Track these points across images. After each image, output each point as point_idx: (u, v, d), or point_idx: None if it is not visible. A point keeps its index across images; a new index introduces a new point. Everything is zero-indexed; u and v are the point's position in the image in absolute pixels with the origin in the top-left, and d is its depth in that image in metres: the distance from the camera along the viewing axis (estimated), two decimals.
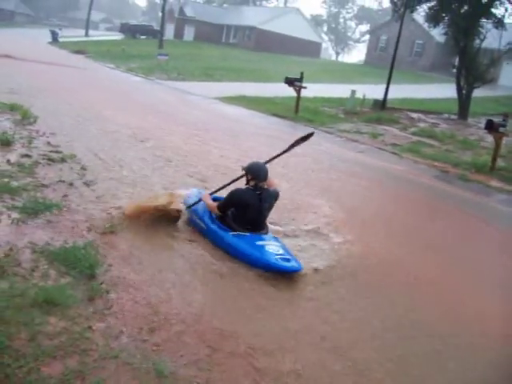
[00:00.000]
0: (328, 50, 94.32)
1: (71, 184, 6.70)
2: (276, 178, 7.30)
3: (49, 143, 8.62)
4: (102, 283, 4.29)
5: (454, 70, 22.01)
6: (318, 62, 50.03)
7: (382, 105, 20.70)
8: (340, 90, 23.12)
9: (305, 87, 17.55)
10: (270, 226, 5.99)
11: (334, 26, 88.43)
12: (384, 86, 21.15)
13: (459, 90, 20.61)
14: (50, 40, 45.00)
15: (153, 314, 3.99)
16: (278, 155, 6.00)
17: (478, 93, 21.19)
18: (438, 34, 29.98)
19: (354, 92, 19.95)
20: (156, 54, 32.60)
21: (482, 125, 13.86)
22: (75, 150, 8.40)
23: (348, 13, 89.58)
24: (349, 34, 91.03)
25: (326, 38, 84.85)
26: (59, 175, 6.96)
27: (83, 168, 7.52)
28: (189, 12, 60.04)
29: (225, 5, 74.58)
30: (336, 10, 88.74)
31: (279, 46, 54.98)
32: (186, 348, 3.67)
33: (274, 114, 17.33)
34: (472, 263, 6.51)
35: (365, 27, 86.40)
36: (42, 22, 79.14)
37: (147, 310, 4.04)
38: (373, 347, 4.14)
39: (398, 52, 21.53)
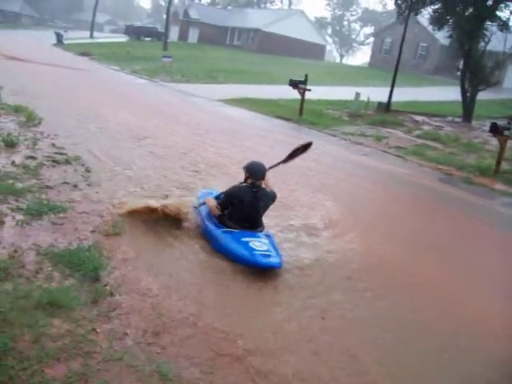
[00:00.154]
0: (332, 53, 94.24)
1: (75, 186, 6.72)
2: (278, 178, 7.34)
3: (53, 145, 8.65)
4: (106, 285, 4.29)
5: (459, 73, 21.98)
6: (323, 65, 50.00)
7: (386, 107, 20.66)
8: (344, 93, 23.10)
9: (309, 89, 17.53)
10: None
11: (338, 28, 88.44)
12: (388, 88, 21.11)
13: (463, 92, 20.55)
14: (55, 42, 45.09)
15: (157, 317, 3.99)
16: (279, 163, 6.15)
17: (482, 96, 21.13)
18: (442, 36, 29.96)
19: (358, 94, 19.90)
20: (160, 56, 32.62)
21: (487, 128, 13.84)
22: (79, 152, 8.42)
23: (352, 15, 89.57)
24: (353, 36, 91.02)
25: (330, 40, 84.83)
26: (64, 177, 6.98)
27: (87, 170, 7.54)
28: (193, 14, 60.13)
29: (229, 7, 74.62)
30: (340, 13, 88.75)
31: (283, 48, 54.95)
32: (190, 351, 3.67)
33: (278, 117, 17.31)
34: (474, 265, 6.47)
35: (369, 30, 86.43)
36: (46, 24, 79.39)
37: (151, 313, 4.04)
38: (371, 347, 4.13)
39: (402, 55, 21.52)
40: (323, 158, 11.55)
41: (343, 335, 4.26)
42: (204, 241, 5.67)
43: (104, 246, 5.03)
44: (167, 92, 21.61)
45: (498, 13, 20.52)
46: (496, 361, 4.27)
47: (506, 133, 11.56)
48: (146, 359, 3.45)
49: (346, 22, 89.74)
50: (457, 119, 21.07)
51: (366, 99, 19.55)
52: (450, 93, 25.85)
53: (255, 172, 5.62)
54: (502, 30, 20.57)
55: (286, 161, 6.22)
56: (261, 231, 5.61)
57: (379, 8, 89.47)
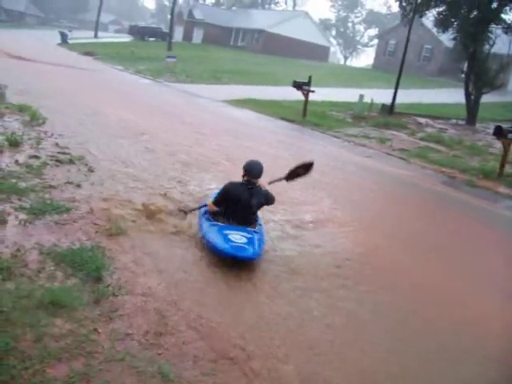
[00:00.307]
0: (336, 54, 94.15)
1: (79, 185, 6.74)
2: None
3: (57, 144, 8.67)
4: (108, 286, 4.30)
5: (463, 76, 21.92)
6: (326, 66, 49.97)
7: (389, 109, 20.64)
8: (348, 95, 23.08)
9: (313, 91, 17.53)
10: None
11: (342, 30, 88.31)
12: (392, 90, 21.09)
13: (467, 95, 20.52)
14: (60, 41, 45.17)
15: (159, 318, 4.00)
16: (280, 179, 6.34)
17: (486, 98, 21.09)
18: (446, 39, 29.94)
19: (362, 96, 19.89)
20: (164, 56, 32.64)
21: (490, 131, 13.79)
22: (83, 152, 8.44)
23: (357, 17, 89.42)
24: (357, 38, 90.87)
25: (334, 42, 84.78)
26: (67, 176, 7.00)
27: (91, 169, 7.56)
28: (198, 15, 60.16)
29: (233, 8, 74.61)
30: (345, 14, 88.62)
31: (287, 49, 54.92)
32: (192, 352, 3.67)
33: (282, 118, 17.31)
34: (475, 268, 6.47)
35: (373, 31, 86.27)
36: (51, 24, 79.58)
37: (153, 314, 4.05)
38: (366, 347, 4.13)
39: (406, 56, 21.50)
40: (325, 159, 11.55)
41: (341, 336, 4.26)
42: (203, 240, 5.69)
43: (107, 246, 5.04)
44: (171, 92, 21.62)
45: (503, 15, 20.50)
46: (496, 361, 4.28)
47: (510, 136, 11.53)
48: (147, 360, 3.45)
49: (350, 24, 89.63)
50: (460, 122, 21.03)
51: (369, 101, 19.54)
52: (454, 95, 25.82)
53: (251, 170, 5.77)
54: (506, 33, 20.54)
55: (287, 178, 6.38)
56: (254, 227, 5.70)
57: (384, 10, 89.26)
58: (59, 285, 4.17)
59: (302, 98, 17.72)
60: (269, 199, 5.93)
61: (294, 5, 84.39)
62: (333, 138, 15.00)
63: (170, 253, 5.31)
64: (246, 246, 5.23)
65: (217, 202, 5.85)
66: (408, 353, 4.20)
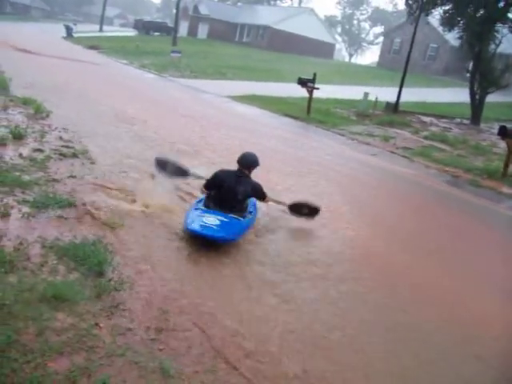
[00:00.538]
0: (341, 52, 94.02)
1: (82, 179, 6.74)
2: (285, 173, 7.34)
3: (61, 138, 8.68)
4: (110, 280, 4.30)
5: (468, 75, 21.86)
6: (331, 63, 49.91)
7: (394, 108, 20.60)
8: (352, 92, 23.04)
9: (317, 88, 17.48)
10: None
11: (347, 27, 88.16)
12: (397, 88, 21.04)
13: (472, 94, 20.46)
14: (65, 35, 45.14)
15: (160, 313, 4.00)
16: (282, 203, 6.63)
17: (491, 98, 21.02)
18: (452, 37, 29.75)
19: (366, 94, 19.84)
20: (169, 51, 32.61)
21: (495, 130, 13.74)
22: (87, 145, 8.45)
23: (362, 14, 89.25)
24: (363, 35, 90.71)
25: (339, 39, 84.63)
26: (71, 170, 7.00)
27: (94, 163, 7.56)
28: (203, 10, 60.11)
29: (239, 3, 74.51)
30: (350, 12, 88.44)
31: (292, 45, 54.85)
32: (193, 348, 3.68)
33: (286, 114, 17.27)
34: (477, 268, 6.47)
35: (379, 29, 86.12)
36: (56, 17, 79.62)
37: (155, 309, 4.05)
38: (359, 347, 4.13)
39: (411, 55, 21.41)
40: (331, 157, 11.55)
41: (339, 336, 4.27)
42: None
43: (109, 241, 5.04)
44: (176, 87, 21.60)
45: (510, 15, 20.36)
46: (495, 361, 4.28)
47: None
48: (148, 355, 3.46)
49: (355, 21, 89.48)
50: (465, 121, 20.99)
51: (374, 99, 19.49)
52: (459, 94, 25.76)
53: (241, 159, 6.15)
54: None
55: (291, 208, 6.60)
56: (240, 215, 5.85)
57: (389, 8, 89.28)
58: (61, 279, 4.17)
59: (307, 95, 17.68)
60: (257, 191, 6.19)
61: (300, 1, 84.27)
62: (337, 136, 14.97)
63: (172, 247, 5.32)
64: (214, 227, 5.42)
65: (207, 184, 6.17)
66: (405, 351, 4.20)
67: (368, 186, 9.79)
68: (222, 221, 5.56)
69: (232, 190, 5.94)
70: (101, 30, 58.11)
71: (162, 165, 6.76)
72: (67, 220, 5.36)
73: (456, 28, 21.13)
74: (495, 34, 20.12)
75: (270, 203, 6.63)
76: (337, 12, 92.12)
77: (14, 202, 5.47)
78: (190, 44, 45.11)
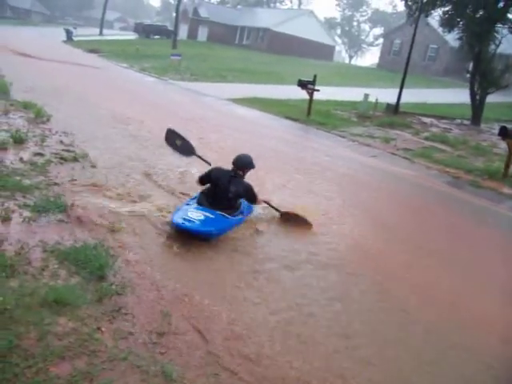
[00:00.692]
0: (341, 53, 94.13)
1: (83, 183, 6.73)
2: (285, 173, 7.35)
3: (61, 142, 8.68)
4: (111, 284, 4.30)
5: (468, 76, 21.86)
6: (331, 65, 49.95)
7: (394, 109, 20.59)
8: (353, 94, 23.05)
9: (318, 90, 17.48)
10: None
11: (347, 28, 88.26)
12: (397, 90, 21.04)
13: (473, 95, 20.45)
14: (65, 39, 45.20)
15: (162, 317, 3.99)
16: (275, 208, 6.71)
17: (491, 98, 21.02)
18: (452, 38, 29.76)
19: (366, 96, 19.83)
20: (169, 54, 32.64)
21: (495, 131, 13.73)
22: (87, 149, 8.45)
23: (362, 16, 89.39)
24: (362, 37, 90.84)
25: (339, 40, 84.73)
26: (71, 174, 7.01)
27: (95, 167, 7.56)
28: (203, 13, 60.18)
29: (239, 6, 74.63)
30: (350, 13, 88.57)
31: (292, 48, 54.93)
32: (195, 351, 3.67)
33: (287, 117, 17.27)
34: (476, 268, 6.47)
35: (379, 30, 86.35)
36: (57, 21, 79.76)
37: (157, 313, 4.04)
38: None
39: (411, 56, 21.41)
40: (331, 158, 11.55)
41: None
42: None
43: (110, 244, 5.04)
44: (176, 90, 21.60)
45: (509, 15, 20.36)
46: (495, 361, 4.28)
47: None
48: (150, 359, 3.45)
49: (355, 23, 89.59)
50: (465, 122, 20.98)
51: (374, 100, 19.50)
52: (459, 95, 25.76)
53: (236, 161, 6.32)
54: None
55: (282, 215, 6.68)
56: (230, 213, 5.98)
57: (389, 9, 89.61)
58: (63, 283, 4.17)
59: (307, 97, 17.69)
60: (248, 192, 6.29)
61: (300, 3, 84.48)
62: (337, 137, 14.96)
63: (175, 251, 5.31)
64: (196, 222, 5.51)
65: (201, 178, 6.42)
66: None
67: (368, 187, 9.77)
68: (206, 217, 5.69)
69: (224, 189, 6.11)
70: (101, 33, 58.17)
71: (172, 137, 7.10)
72: (68, 224, 5.36)
73: (456, 29, 21.12)
74: (495, 34, 20.11)
75: (262, 203, 6.70)
76: (336, 14, 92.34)
77: (15, 206, 5.47)
78: (190, 47, 45.16)
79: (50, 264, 4.41)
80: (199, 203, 6.04)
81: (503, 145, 12.98)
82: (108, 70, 25.96)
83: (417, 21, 20.91)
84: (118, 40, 50.20)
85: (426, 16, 23.26)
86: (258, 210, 6.82)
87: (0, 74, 15.49)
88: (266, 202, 6.73)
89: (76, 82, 17.61)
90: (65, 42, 43.91)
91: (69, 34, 45.93)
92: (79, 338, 3.49)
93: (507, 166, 11.75)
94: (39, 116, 10.13)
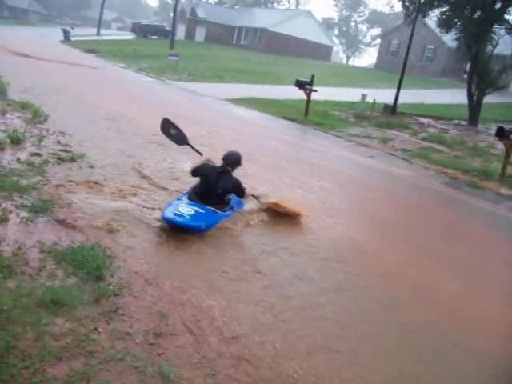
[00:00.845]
0: (339, 54, 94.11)
1: (80, 184, 6.72)
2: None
3: (59, 142, 8.67)
4: (109, 285, 4.29)
5: (465, 76, 21.89)
6: (329, 66, 49.94)
7: (392, 109, 20.61)
8: (350, 94, 23.06)
9: (315, 90, 17.49)
10: None
11: (345, 29, 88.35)
12: (394, 90, 21.06)
13: (470, 95, 20.49)
14: (62, 39, 45.11)
15: (159, 318, 3.99)
16: (259, 202, 6.87)
17: (488, 99, 21.07)
18: (449, 39, 29.83)
19: (364, 96, 19.84)
20: (167, 54, 32.59)
21: (493, 131, 13.77)
22: (85, 149, 8.44)
23: (359, 16, 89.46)
24: (360, 37, 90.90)
25: (337, 41, 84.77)
26: (68, 174, 6.99)
27: (92, 167, 7.55)
28: (200, 13, 60.14)
29: (236, 6, 74.55)
30: (347, 14, 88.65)
31: (290, 48, 54.92)
32: (192, 352, 3.67)
33: (284, 117, 17.27)
34: (474, 268, 6.47)
35: (376, 31, 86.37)
36: (54, 21, 79.63)
37: (154, 314, 4.04)
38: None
39: (409, 57, 21.44)
40: (329, 158, 11.56)
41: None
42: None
43: (107, 244, 5.03)
44: (174, 91, 21.59)
45: (506, 16, 20.44)
46: (495, 361, 4.29)
47: None
48: (147, 360, 3.45)
49: (353, 23, 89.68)
50: (463, 122, 21.02)
51: (372, 101, 19.51)
52: (457, 96, 25.79)
53: (226, 157, 6.45)
54: (509, 34, 20.47)
55: (266, 208, 6.81)
56: (219, 208, 6.11)
57: (386, 10, 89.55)
58: (60, 283, 4.16)
59: (305, 97, 17.69)
60: (236, 187, 6.45)
61: (297, 4, 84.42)
62: (335, 138, 14.98)
63: (173, 251, 5.31)
64: (186, 216, 5.63)
65: (192, 170, 6.50)
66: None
67: (366, 188, 9.79)
68: (196, 211, 5.81)
69: (213, 185, 6.25)
70: (98, 33, 58.01)
71: (167, 126, 7.23)
72: (65, 224, 5.35)
73: (453, 29, 21.19)
74: (492, 35, 20.17)
75: (250, 198, 6.88)
76: (334, 14, 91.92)
77: (12, 206, 5.47)
78: (188, 47, 45.12)
79: (48, 264, 4.41)
80: (190, 198, 6.18)
81: (500, 145, 13.02)
82: (105, 70, 25.92)
83: (414, 21, 20.96)
84: (115, 40, 50.11)
85: (424, 17, 23.31)
86: (249, 204, 6.90)
87: None
88: (253, 196, 6.93)
89: (73, 82, 17.57)
90: (62, 42, 43.82)
91: (66, 33, 45.80)
92: (76, 339, 3.49)
93: (504, 167, 11.78)
94: (36, 116, 10.11)
